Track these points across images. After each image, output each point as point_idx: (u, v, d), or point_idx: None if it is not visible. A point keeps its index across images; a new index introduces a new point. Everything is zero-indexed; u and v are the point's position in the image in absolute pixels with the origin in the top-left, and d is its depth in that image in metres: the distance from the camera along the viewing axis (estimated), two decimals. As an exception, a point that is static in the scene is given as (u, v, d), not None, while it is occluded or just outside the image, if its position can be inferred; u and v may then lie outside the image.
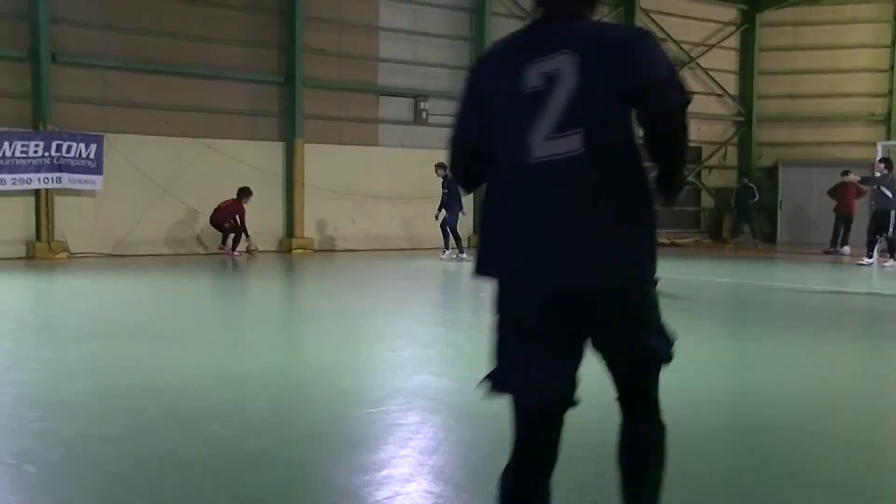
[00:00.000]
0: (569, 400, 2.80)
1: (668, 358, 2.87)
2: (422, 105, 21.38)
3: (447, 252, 17.31)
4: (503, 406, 2.90)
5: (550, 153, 2.72)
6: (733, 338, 9.27)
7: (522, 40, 2.89)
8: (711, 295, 12.90)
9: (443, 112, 21.94)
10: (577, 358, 2.81)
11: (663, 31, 25.27)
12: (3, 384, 6.19)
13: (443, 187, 17.28)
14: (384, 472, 4.39)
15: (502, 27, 22.51)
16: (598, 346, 2.84)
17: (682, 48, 25.52)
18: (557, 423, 2.84)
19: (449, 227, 17.35)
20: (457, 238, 17.34)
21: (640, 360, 2.86)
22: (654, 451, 2.95)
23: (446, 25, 21.94)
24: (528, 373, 2.77)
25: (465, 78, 3.03)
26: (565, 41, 2.73)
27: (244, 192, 18.04)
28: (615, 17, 24.61)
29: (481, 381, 2.87)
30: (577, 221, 2.70)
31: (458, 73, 22.17)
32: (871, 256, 17.68)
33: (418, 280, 12.41)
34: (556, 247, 2.71)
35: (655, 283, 2.86)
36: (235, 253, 18.04)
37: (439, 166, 17.02)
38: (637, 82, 2.67)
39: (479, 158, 2.95)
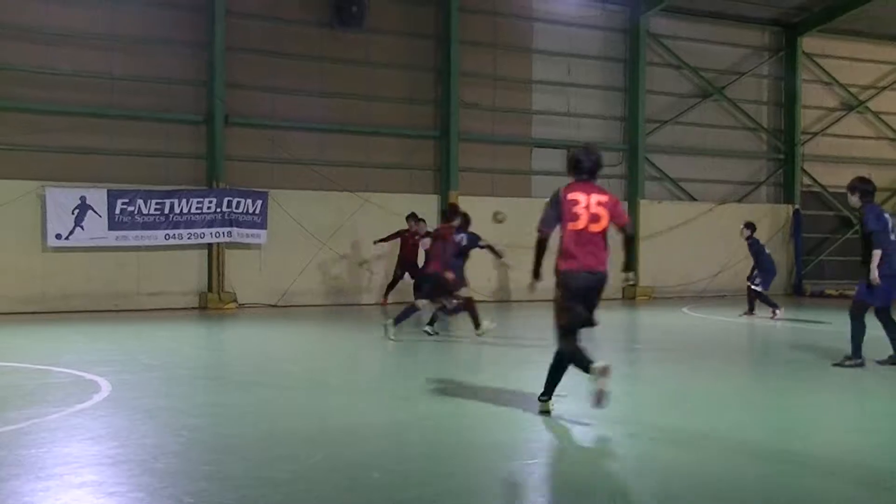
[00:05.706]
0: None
1: None
2: (575, 156, 21.37)
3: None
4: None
5: None
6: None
7: None
8: None
9: (596, 163, 21.85)
10: None
11: (829, 75, 24.39)
12: (179, 429, 6.55)
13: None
14: (541, 526, 4.37)
15: (658, 77, 22.30)
16: None
17: (849, 92, 24.57)
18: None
19: None
20: None
21: None
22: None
23: (599, 76, 21.94)
24: None
25: None
26: None
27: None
28: (776, 62, 23.97)
29: None
30: None
31: (612, 123, 22.08)
32: None
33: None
34: None
35: None
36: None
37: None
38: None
39: None
